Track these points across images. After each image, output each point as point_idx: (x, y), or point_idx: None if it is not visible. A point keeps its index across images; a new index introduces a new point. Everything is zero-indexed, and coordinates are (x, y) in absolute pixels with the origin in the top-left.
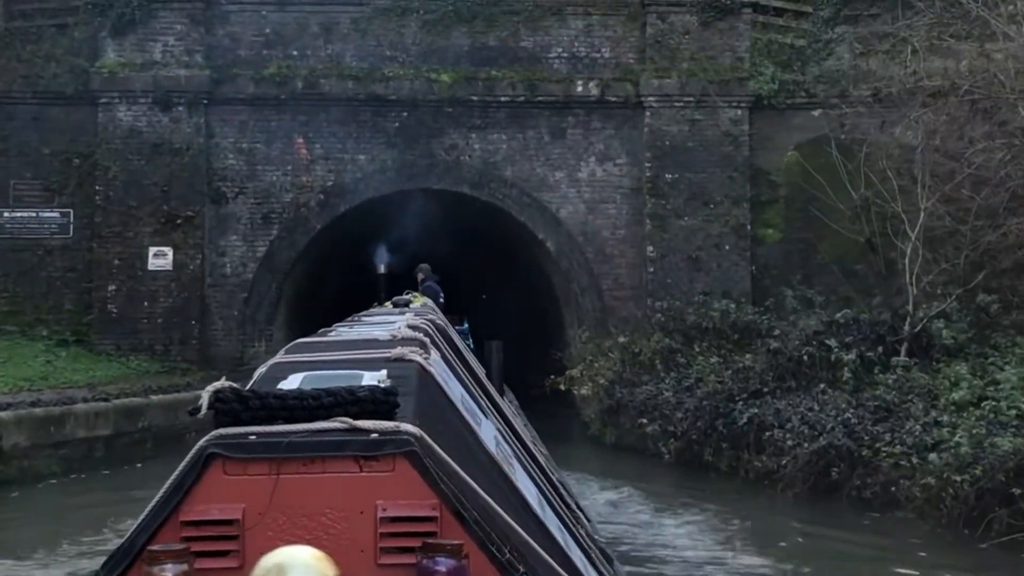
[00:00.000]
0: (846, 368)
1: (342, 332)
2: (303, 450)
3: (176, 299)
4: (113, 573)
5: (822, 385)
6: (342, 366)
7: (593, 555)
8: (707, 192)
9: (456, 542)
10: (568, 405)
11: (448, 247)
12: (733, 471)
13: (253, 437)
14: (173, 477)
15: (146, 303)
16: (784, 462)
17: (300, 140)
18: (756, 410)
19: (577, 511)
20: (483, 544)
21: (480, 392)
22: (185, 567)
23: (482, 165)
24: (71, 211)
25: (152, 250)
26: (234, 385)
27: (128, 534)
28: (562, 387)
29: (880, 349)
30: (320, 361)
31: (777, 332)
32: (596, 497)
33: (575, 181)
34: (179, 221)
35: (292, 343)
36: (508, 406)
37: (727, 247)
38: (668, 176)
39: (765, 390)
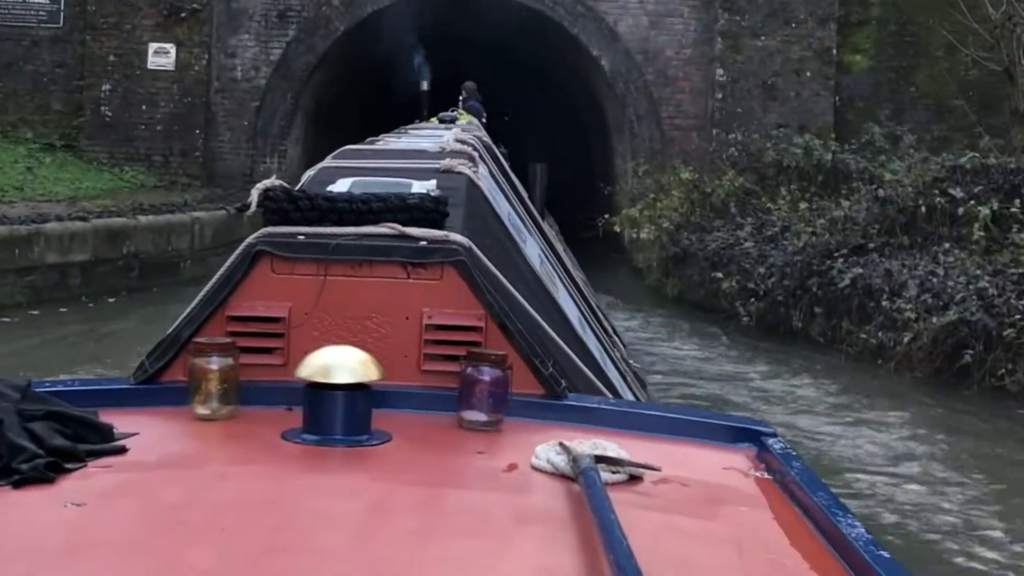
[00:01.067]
0: (976, 224)
1: (390, 142)
2: (351, 253)
3: (178, 104)
4: (158, 364)
5: (946, 244)
6: (391, 174)
7: (628, 378)
8: (789, 8)
9: (501, 352)
10: (618, 249)
11: (486, 64)
12: (830, 343)
13: (302, 237)
14: (220, 272)
15: (144, 107)
16: (901, 337)
17: None
18: (860, 270)
19: (614, 335)
20: (527, 357)
21: (525, 211)
22: (230, 360)
23: None
24: None
25: (153, 46)
26: (284, 184)
27: (173, 326)
28: (617, 229)
29: (1018, 202)
30: (369, 168)
31: (883, 177)
32: (663, 363)
33: None
34: (184, 14)
35: (340, 150)
36: (550, 229)
37: (808, 73)
38: None
39: (871, 246)
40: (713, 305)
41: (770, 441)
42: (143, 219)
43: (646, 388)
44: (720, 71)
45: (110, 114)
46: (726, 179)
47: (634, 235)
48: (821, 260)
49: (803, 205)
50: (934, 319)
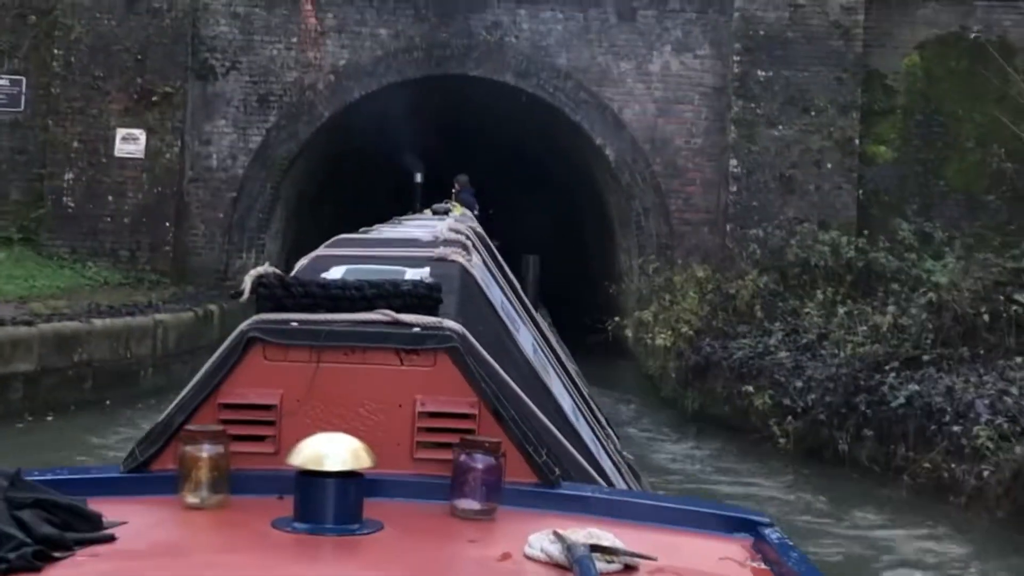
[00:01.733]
0: None
1: (384, 231)
2: (345, 339)
3: (148, 195)
4: (148, 451)
5: (1017, 359)
6: (385, 262)
7: (622, 468)
8: (808, 96)
9: (494, 440)
10: (624, 355)
11: (480, 154)
12: (884, 470)
13: (295, 323)
14: (213, 359)
15: (111, 197)
16: (977, 469)
17: (309, 6)
18: (916, 387)
19: (607, 427)
20: (520, 444)
21: (518, 301)
22: (221, 448)
23: (531, 50)
24: (23, 79)
25: (120, 132)
26: (277, 271)
27: (165, 413)
28: (628, 333)
29: None
30: (363, 256)
31: (929, 279)
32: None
33: (644, 75)
34: (155, 99)
35: (334, 238)
36: (542, 319)
37: (829, 165)
38: (760, 74)
39: (925, 359)
40: (741, 423)
41: (766, 531)
42: (98, 323)
43: (640, 479)
44: (734, 162)
45: (73, 205)
46: (748, 279)
47: (648, 340)
48: (869, 374)
49: (842, 310)
50: (1017, 448)
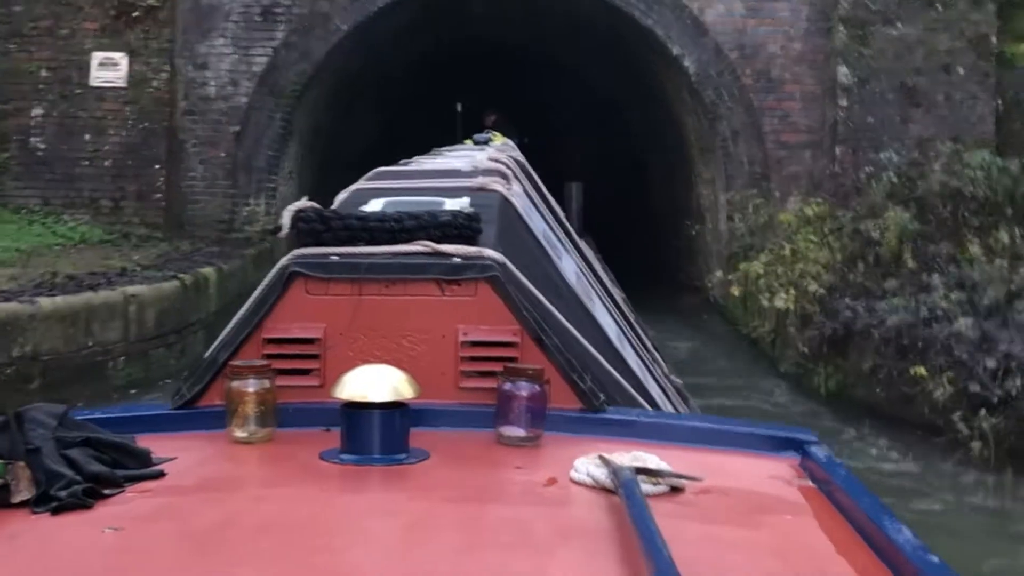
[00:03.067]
0: None
1: (423, 162)
2: (385, 272)
3: (133, 131)
4: (195, 387)
5: None
6: (424, 193)
7: (670, 392)
8: None
9: (537, 367)
10: (709, 310)
11: (532, 73)
12: None
13: (335, 257)
14: (255, 295)
15: (88, 136)
16: None
17: None
18: None
19: (654, 351)
20: (563, 371)
21: (560, 229)
22: (267, 383)
23: None
24: None
25: (97, 57)
26: (316, 205)
27: (209, 350)
28: (735, 292)
29: None
30: (401, 188)
31: None
32: None
33: None
34: (137, 14)
35: (373, 171)
36: (587, 247)
37: (960, 71)
38: None
39: None
40: (904, 414)
41: (813, 448)
42: (46, 302)
43: (689, 403)
44: (843, 70)
45: (43, 147)
46: (889, 216)
47: (762, 299)
48: None
49: None
50: None
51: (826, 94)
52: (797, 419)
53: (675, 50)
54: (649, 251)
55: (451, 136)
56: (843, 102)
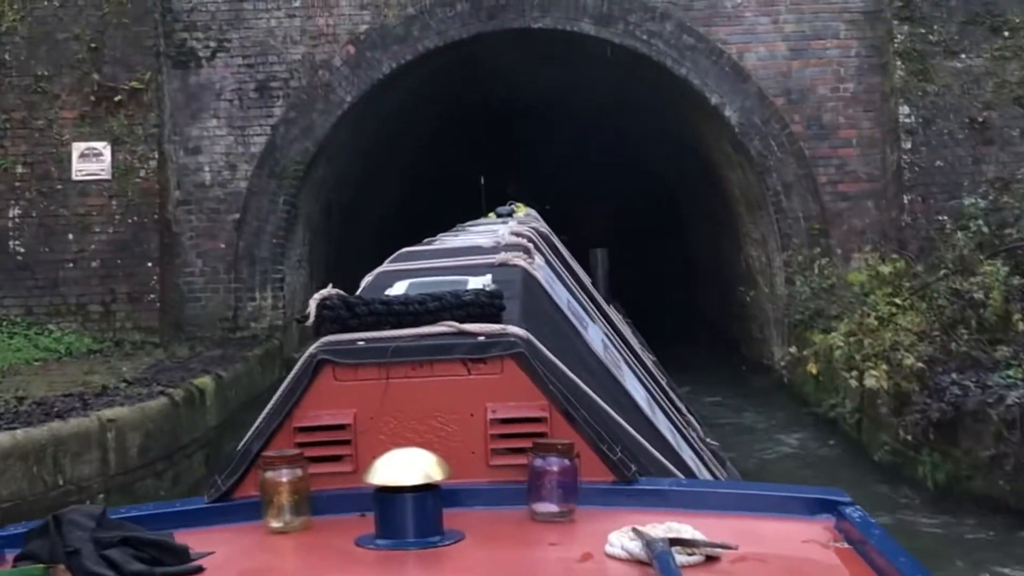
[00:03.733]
0: None
1: (446, 240)
2: (411, 354)
3: (121, 226)
4: (230, 480)
5: None
6: (447, 272)
7: (705, 456)
8: (996, 9)
9: (567, 441)
10: (774, 384)
11: (555, 134)
12: None
13: (362, 343)
14: (285, 384)
15: (72, 235)
16: None
17: None
18: None
19: (688, 414)
20: (594, 443)
21: (586, 297)
22: (300, 472)
23: None
24: None
25: (78, 147)
26: (340, 292)
27: (243, 442)
28: (813, 370)
29: None
30: (424, 268)
31: None
32: None
33: (768, 5)
34: (119, 98)
35: (396, 253)
36: (615, 313)
37: None
38: None
39: None
40: None
41: (848, 510)
42: (4, 438)
43: (726, 466)
44: (905, 110)
45: (23, 250)
46: (988, 272)
47: (848, 376)
48: None
49: None
50: None
51: (887, 137)
52: (909, 517)
53: (714, 99)
54: (692, 317)
55: (475, 209)
56: (907, 145)
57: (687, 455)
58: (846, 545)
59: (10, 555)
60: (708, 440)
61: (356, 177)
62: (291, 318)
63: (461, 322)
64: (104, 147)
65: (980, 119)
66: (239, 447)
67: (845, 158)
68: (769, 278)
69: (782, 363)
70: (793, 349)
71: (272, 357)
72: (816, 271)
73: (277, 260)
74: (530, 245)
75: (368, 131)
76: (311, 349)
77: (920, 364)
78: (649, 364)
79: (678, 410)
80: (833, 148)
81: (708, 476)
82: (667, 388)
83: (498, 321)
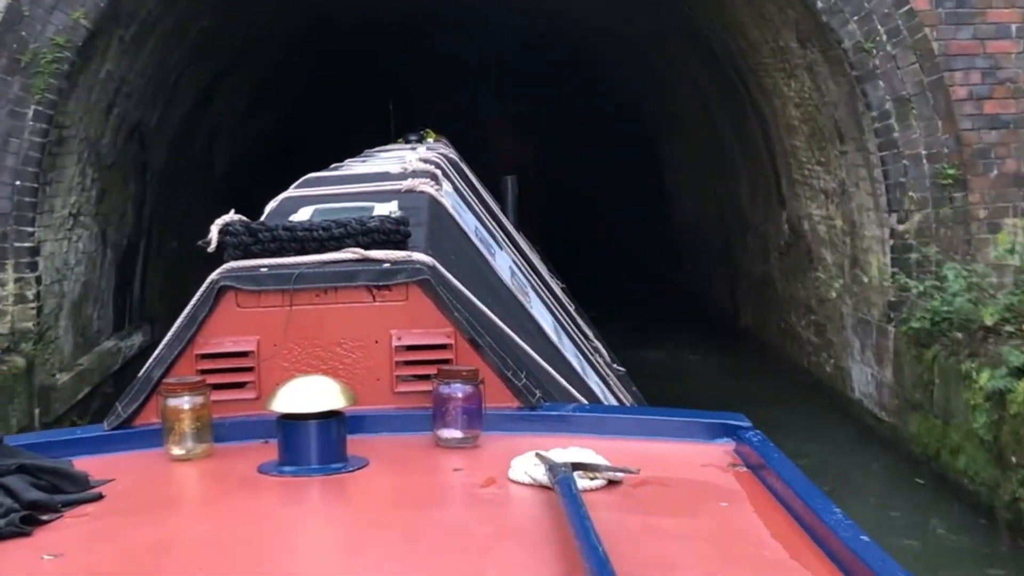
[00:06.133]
0: None
1: (353, 166)
2: (315, 281)
3: None
4: (131, 407)
5: None
6: (353, 199)
7: (611, 382)
8: None
9: (472, 368)
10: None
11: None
12: None
13: (264, 269)
14: (186, 311)
15: None
16: None
17: None
18: None
19: (595, 340)
20: (498, 370)
21: (495, 225)
22: (201, 398)
23: None
24: None
25: None
26: (243, 218)
27: (144, 369)
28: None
29: None
30: (330, 195)
31: None
32: None
33: None
34: None
35: (302, 178)
36: (524, 240)
37: None
38: None
39: None
40: None
41: (748, 434)
42: None
43: (633, 390)
44: None
45: None
46: None
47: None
48: None
49: None
50: None
51: None
52: None
53: None
54: (681, 296)
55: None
56: None
57: (592, 381)
58: (745, 469)
59: None
60: (615, 366)
61: (195, 81)
62: (39, 324)
63: (366, 249)
64: None
65: None
66: (140, 374)
67: (998, 57)
68: (850, 253)
69: (873, 395)
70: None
71: (10, 388)
72: (967, 250)
73: (25, 217)
74: (438, 172)
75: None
76: (213, 275)
77: None
78: (557, 291)
79: (585, 336)
80: (979, 40)
81: (614, 402)
82: (575, 315)
83: (404, 248)
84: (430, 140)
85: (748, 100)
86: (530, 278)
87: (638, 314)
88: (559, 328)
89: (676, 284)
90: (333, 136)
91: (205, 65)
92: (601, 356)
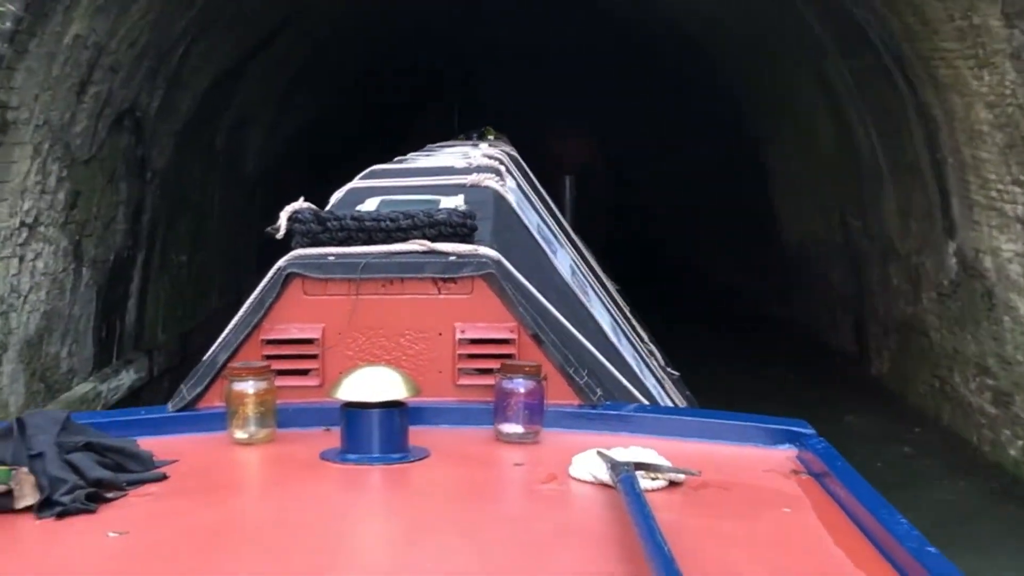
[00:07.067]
0: None
1: (417, 159)
2: (382, 271)
3: None
4: (195, 389)
5: None
6: (418, 191)
7: (666, 385)
8: None
9: (534, 363)
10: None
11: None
12: None
13: (332, 257)
14: (253, 296)
15: None
16: None
17: None
18: None
19: (651, 344)
20: (560, 367)
21: (555, 223)
22: (266, 383)
23: None
24: None
25: None
26: (311, 206)
27: (209, 352)
28: None
29: None
30: (396, 187)
31: None
32: None
33: None
34: None
35: (367, 170)
36: (581, 240)
37: None
38: None
39: None
40: None
41: (811, 441)
42: None
43: (686, 395)
44: None
45: None
46: None
47: None
48: None
49: None
50: None
51: None
52: None
53: None
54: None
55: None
56: None
57: (650, 382)
58: (807, 475)
59: None
60: (669, 369)
61: (207, 60)
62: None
63: (433, 241)
64: None
65: None
66: (205, 357)
67: None
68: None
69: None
70: None
71: None
72: None
73: None
74: (501, 168)
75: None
76: (280, 262)
77: None
78: (613, 292)
79: (641, 338)
80: None
81: (670, 403)
82: (630, 316)
83: (470, 241)
84: (491, 137)
85: (910, 97)
86: (588, 278)
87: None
88: (616, 328)
89: (777, 318)
90: (386, 135)
91: (225, 37)
92: (656, 359)
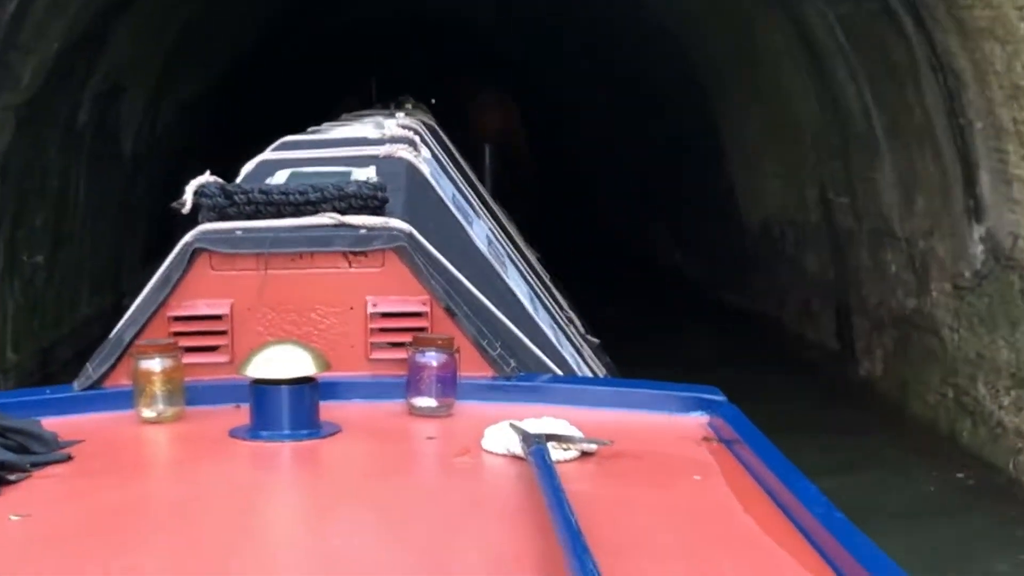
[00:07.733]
0: None
1: (331, 130)
2: (291, 245)
3: None
4: (101, 368)
5: None
6: (330, 163)
7: (585, 353)
8: None
9: (447, 336)
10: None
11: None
12: None
13: (239, 232)
14: (159, 273)
15: None
16: None
17: None
18: None
19: (571, 311)
20: (474, 339)
21: (472, 193)
22: (173, 361)
23: None
24: None
25: None
26: (218, 179)
27: (115, 330)
28: None
29: None
30: (307, 159)
31: None
32: None
33: None
34: None
35: (279, 141)
36: (501, 209)
37: None
38: None
39: None
40: None
41: (723, 408)
42: None
43: (607, 361)
44: None
45: None
46: None
47: None
48: None
49: None
50: None
51: None
52: None
53: None
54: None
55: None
56: None
57: (567, 352)
58: (719, 442)
59: None
60: (589, 336)
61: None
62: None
63: (343, 214)
64: None
65: None
66: (111, 335)
67: None
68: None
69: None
70: None
71: None
72: None
73: None
74: (416, 138)
75: None
76: (187, 237)
77: None
78: (533, 261)
79: (560, 306)
80: None
81: (588, 372)
82: (550, 285)
83: (381, 214)
84: (408, 106)
85: (923, 46)
86: (506, 247)
87: (689, 343)
88: (534, 298)
89: (731, 305)
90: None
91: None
92: (575, 327)
